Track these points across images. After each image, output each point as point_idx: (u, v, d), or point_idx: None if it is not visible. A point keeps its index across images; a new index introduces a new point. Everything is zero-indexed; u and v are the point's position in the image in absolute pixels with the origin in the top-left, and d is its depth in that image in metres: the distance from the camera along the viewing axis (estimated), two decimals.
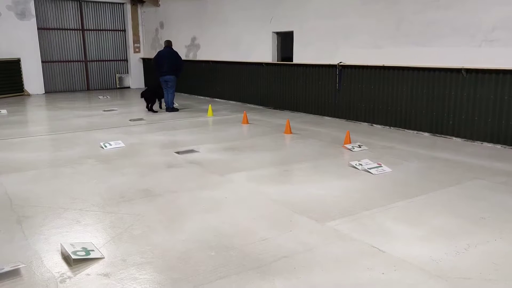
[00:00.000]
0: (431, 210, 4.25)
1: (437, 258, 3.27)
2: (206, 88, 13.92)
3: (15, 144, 7.30)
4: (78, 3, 15.94)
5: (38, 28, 14.91)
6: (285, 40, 11.31)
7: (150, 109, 10.87)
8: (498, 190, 4.85)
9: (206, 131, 8.55)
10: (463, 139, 7.38)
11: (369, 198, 4.61)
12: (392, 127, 8.54)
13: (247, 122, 9.17)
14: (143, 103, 11.25)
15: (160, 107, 11.18)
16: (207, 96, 13.85)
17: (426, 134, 7.91)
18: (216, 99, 13.37)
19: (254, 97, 11.99)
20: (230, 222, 3.97)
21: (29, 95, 14.71)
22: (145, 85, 17.31)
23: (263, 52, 11.52)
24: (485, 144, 7.07)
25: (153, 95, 10.94)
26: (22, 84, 14.64)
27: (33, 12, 14.64)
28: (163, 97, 10.98)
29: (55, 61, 15.79)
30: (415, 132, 8.09)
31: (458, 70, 7.31)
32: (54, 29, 15.60)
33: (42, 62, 15.22)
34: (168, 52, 10.65)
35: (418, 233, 3.72)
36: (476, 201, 4.51)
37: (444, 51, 7.54)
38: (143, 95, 10.94)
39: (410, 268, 3.12)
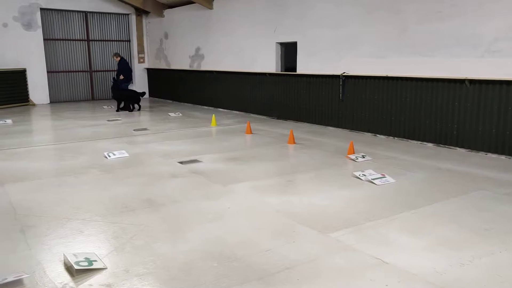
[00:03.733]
0: (435, 221, 4.23)
1: (441, 269, 3.25)
2: (210, 98, 13.98)
3: (20, 153, 7.34)
4: (84, 14, 16.11)
5: (44, 39, 15.08)
6: (289, 51, 11.38)
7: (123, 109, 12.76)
8: (503, 201, 4.82)
9: (209, 141, 8.57)
10: (467, 150, 7.36)
11: (373, 208, 4.59)
12: (396, 138, 8.53)
13: (251, 132, 9.18)
14: (147, 113, 11.28)
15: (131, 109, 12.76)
16: (211, 106, 13.90)
17: (430, 144, 7.89)
18: (220, 109, 13.42)
19: (258, 107, 12.02)
20: (233, 233, 3.96)
21: (34, 104, 14.81)
22: (150, 95, 17.43)
23: (267, 62, 11.58)
24: (490, 154, 7.04)
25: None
26: (28, 94, 14.76)
27: (39, 23, 14.81)
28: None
29: (61, 71, 15.93)
30: (419, 142, 8.08)
31: (461, 81, 7.32)
32: (60, 39, 15.77)
33: (48, 72, 15.36)
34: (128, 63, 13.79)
35: (422, 244, 3.70)
36: (481, 212, 4.48)
37: (447, 62, 7.55)
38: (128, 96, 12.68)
39: (414, 280, 3.10)
